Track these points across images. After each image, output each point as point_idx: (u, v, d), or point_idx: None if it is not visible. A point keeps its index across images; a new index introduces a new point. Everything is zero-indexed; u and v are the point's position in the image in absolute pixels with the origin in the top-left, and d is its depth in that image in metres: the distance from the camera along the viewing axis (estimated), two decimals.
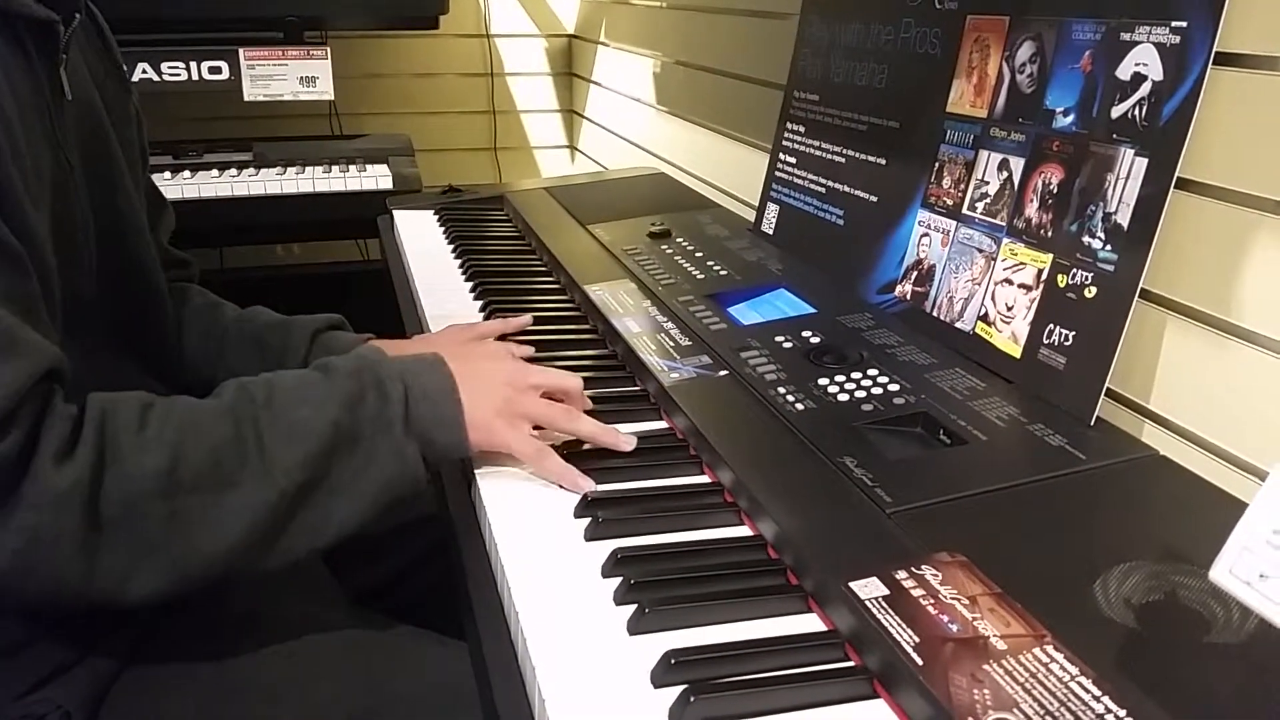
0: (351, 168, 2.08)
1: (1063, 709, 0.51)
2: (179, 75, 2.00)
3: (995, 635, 0.57)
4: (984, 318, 0.95)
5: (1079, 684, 0.53)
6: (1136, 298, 0.80)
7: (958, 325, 0.98)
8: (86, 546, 0.65)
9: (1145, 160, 0.81)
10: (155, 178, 1.12)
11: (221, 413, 0.73)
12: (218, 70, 2.02)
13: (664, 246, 1.33)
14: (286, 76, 2.05)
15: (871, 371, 0.91)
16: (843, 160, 1.23)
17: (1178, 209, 0.80)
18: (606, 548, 0.70)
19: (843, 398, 0.88)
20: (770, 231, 1.36)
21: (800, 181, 1.31)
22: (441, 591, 0.85)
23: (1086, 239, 0.85)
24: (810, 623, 0.63)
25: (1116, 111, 0.84)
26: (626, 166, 2.19)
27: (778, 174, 1.36)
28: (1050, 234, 0.90)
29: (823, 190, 1.26)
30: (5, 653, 0.76)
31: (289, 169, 2.04)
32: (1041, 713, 0.51)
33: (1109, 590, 0.61)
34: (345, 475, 0.74)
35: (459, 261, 1.39)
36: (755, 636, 0.61)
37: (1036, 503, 0.72)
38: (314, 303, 1.13)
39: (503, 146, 2.71)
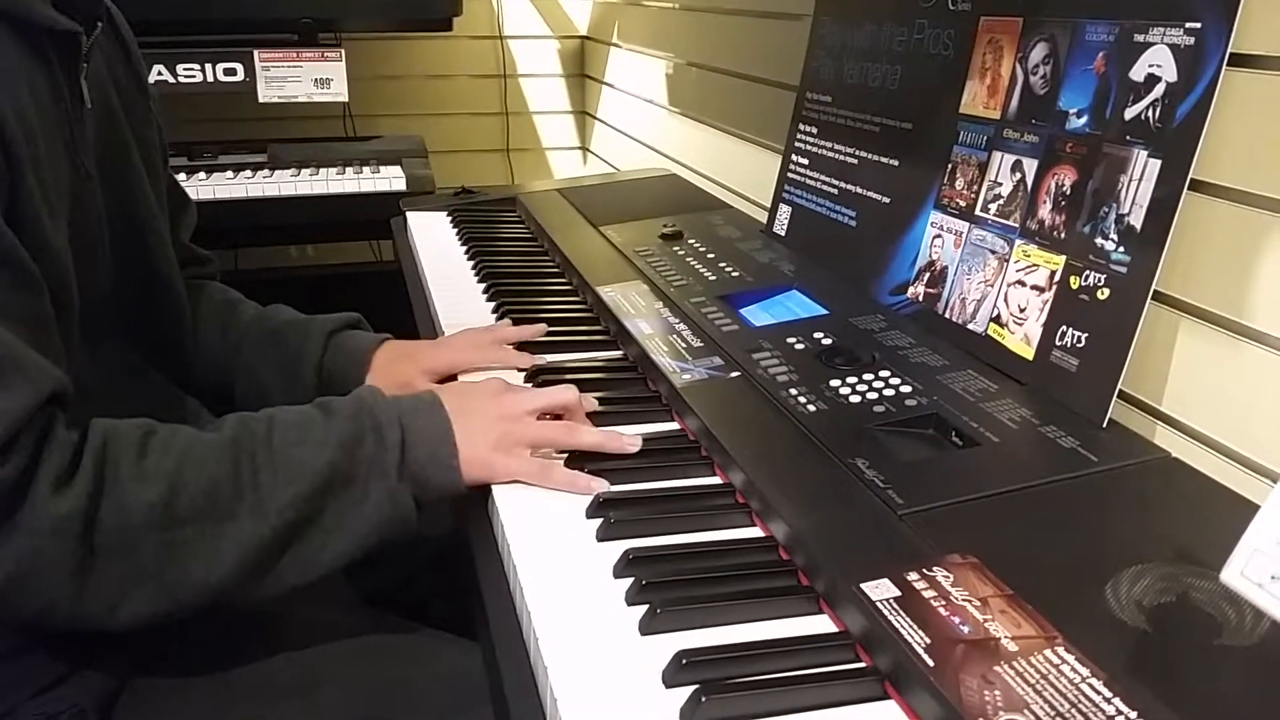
0: (365, 169, 2.08)
1: (1074, 710, 0.51)
2: (194, 77, 2.01)
3: (1006, 637, 0.57)
4: (996, 319, 0.95)
5: (1090, 686, 0.53)
6: (1149, 299, 0.80)
7: (970, 327, 0.98)
8: (79, 573, 0.66)
9: (1159, 162, 0.81)
10: None
11: (221, 446, 0.74)
12: (233, 72, 2.03)
13: (676, 248, 1.34)
14: (301, 78, 2.06)
15: (883, 373, 0.91)
16: (855, 161, 1.23)
17: (1191, 211, 0.80)
18: (618, 548, 0.70)
19: (854, 399, 0.88)
20: (782, 233, 1.36)
21: (813, 183, 1.31)
22: (453, 592, 0.86)
23: (1099, 240, 0.85)
24: (821, 624, 0.64)
25: (1130, 113, 0.84)
26: (638, 168, 2.19)
27: (790, 175, 1.36)
28: (1063, 235, 0.90)
29: (835, 192, 1.26)
30: (21, 650, 0.77)
31: (303, 170, 2.05)
32: (1052, 714, 0.51)
33: (1120, 592, 0.60)
34: (338, 515, 0.75)
35: (472, 263, 1.40)
36: (766, 637, 0.61)
37: (1048, 504, 0.72)
38: (327, 304, 1.13)
39: (515, 148, 2.72)
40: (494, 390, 0.87)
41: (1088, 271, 0.86)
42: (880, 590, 0.62)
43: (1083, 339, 0.85)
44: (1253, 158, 0.78)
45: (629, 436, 0.84)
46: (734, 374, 0.94)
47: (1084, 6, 0.90)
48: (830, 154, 1.28)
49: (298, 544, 0.74)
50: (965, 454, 0.80)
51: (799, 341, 1.00)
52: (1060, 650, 0.56)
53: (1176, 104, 0.80)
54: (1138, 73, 0.84)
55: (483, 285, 1.30)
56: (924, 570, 0.63)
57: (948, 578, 0.62)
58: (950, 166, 1.05)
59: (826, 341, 0.99)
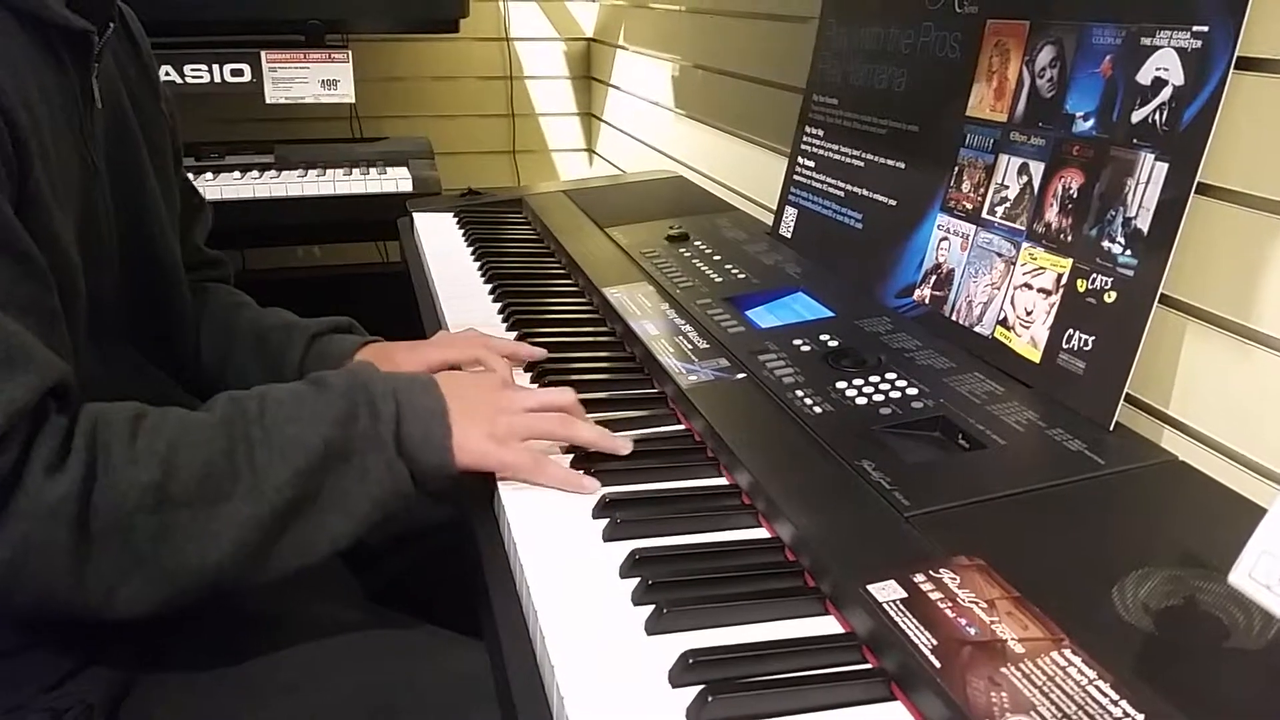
0: (372, 170, 2.09)
1: (1080, 713, 0.51)
2: (201, 77, 2.02)
3: (1013, 638, 0.57)
4: (1003, 322, 0.95)
5: (1097, 687, 0.53)
6: (1156, 303, 0.80)
7: (977, 329, 0.98)
8: (75, 557, 0.66)
9: (1166, 165, 0.81)
10: None
11: (213, 426, 0.73)
12: (240, 73, 2.04)
13: (682, 250, 1.34)
14: (308, 79, 2.07)
15: (890, 375, 0.91)
16: (862, 164, 1.23)
17: (1198, 214, 0.80)
18: (625, 548, 0.70)
19: (861, 401, 0.88)
20: (788, 235, 1.36)
21: (819, 185, 1.31)
22: (459, 591, 0.86)
23: (1106, 244, 0.85)
24: (828, 625, 0.64)
25: (1137, 116, 0.84)
26: (644, 170, 2.19)
27: (796, 178, 1.36)
28: (1070, 238, 0.90)
29: (841, 194, 1.26)
30: (28, 647, 0.77)
31: (310, 171, 2.06)
32: (1059, 716, 0.51)
33: (1127, 594, 0.60)
34: (336, 492, 0.74)
35: (478, 264, 1.40)
36: (773, 638, 0.61)
37: (1055, 507, 0.72)
38: (333, 304, 1.14)
39: (521, 150, 2.72)
40: (492, 383, 0.86)
41: (1094, 275, 0.86)
42: (887, 591, 0.62)
43: (1089, 342, 0.85)
44: (1260, 161, 0.78)
45: (621, 438, 0.84)
46: (740, 375, 0.95)
47: (1091, 10, 0.90)
48: (836, 156, 1.28)
49: (296, 524, 0.73)
50: (971, 456, 0.80)
51: (805, 343, 1.00)
52: (1067, 652, 0.56)
53: (1184, 107, 0.80)
54: (1145, 76, 0.84)
55: (489, 286, 1.30)
56: (930, 572, 0.63)
57: (954, 579, 0.62)
58: (957, 169, 1.05)
59: (832, 343, 1.00)
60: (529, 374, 1.02)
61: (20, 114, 0.70)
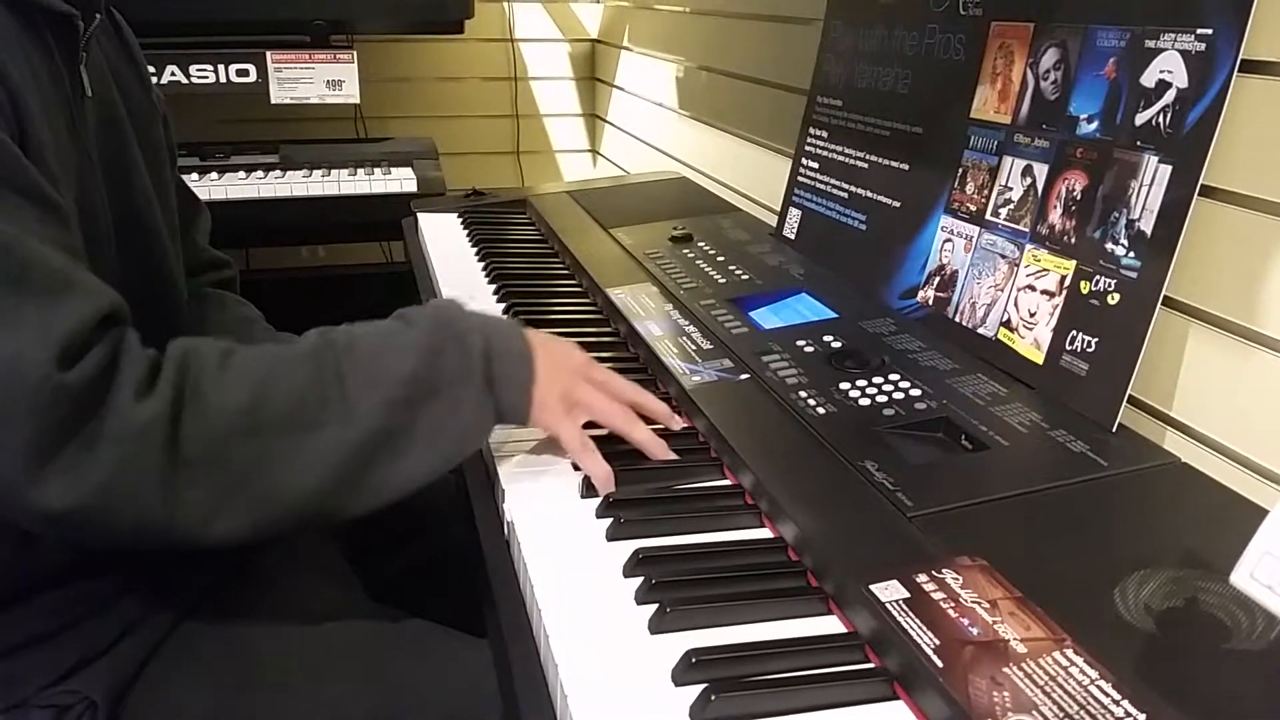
0: (376, 170, 2.09)
1: (1082, 713, 0.51)
2: (207, 77, 2.02)
3: (1015, 638, 0.57)
4: (1006, 324, 0.95)
5: (1098, 688, 0.53)
6: (1159, 304, 0.80)
7: (980, 331, 0.98)
8: (169, 483, 0.66)
9: (1169, 167, 0.81)
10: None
11: (303, 357, 0.73)
12: (245, 73, 2.04)
13: (685, 250, 1.34)
14: (313, 79, 2.07)
15: (893, 376, 0.92)
16: (865, 165, 1.23)
17: (1201, 216, 0.80)
18: (628, 548, 0.71)
19: (864, 402, 0.88)
20: (792, 236, 1.36)
21: (823, 186, 1.31)
22: (462, 589, 0.86)
23: (1110, 245, 0.86)
24: (830, 624, 0.64)
25: (1141, 118, 0.84)
26: (648, 171, 2.19)
27: (800, 179, 1.37)
28: (1074, 240, 0.90)
29: (845, 195, 1.26)
30: (34, 641, 0.78)
31: (315, 171, 2.06)
32: (1061, 716, 0.51)
33: (1129, 595, 0.61)
34: (426, 422, 0.74)
35: (482, 264, 1.40)
36: (776, 637, 0.62)
37: (1057, 508, 0.72)
38: (337, 305, 1.14)
39: (526, 150, 2.73)
40: (571, 346, 0.86)
41: (1098, 276, 0.86)
42: (889, 591, 0.62)
43: (1093, 344, 0.85)
44: (1263, 164, 0.78)
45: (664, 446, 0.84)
46: (743, 376, 0.95)
47: (1095, 12, 0.90)
48: (840, 158, 1.28)
49: (386, 453, 0.73)
50: (975, 457, 0.80)
51: (808, 344, 1.00)
52: (1069, 652, 0.56)
53: (1187, 110, 0.80)
54: (1149, 78, 0.84)
55: (493, 287, 1.31)
56: (933, 572, 0.63)
57: (957, 580, 0.62)
58: (961, 171, 1.05)
59: (836, 344, 1.00)
60: None
61: (14, 77, 0.70)
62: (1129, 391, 0.81)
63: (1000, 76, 1.01)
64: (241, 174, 2.02)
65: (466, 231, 1.59)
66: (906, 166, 1.15)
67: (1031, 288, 0.93)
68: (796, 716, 0.56)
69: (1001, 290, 0.97)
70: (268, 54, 2.04)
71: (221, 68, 2.03)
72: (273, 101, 2.07)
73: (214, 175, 1.99)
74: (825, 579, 0.67)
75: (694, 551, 0.71)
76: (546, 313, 1.20)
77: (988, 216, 1.01)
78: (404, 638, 0.86)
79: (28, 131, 0.71)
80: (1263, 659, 0.56)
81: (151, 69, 1.06)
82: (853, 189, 1.25)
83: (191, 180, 1.92)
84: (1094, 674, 0.54)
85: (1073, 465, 0.77)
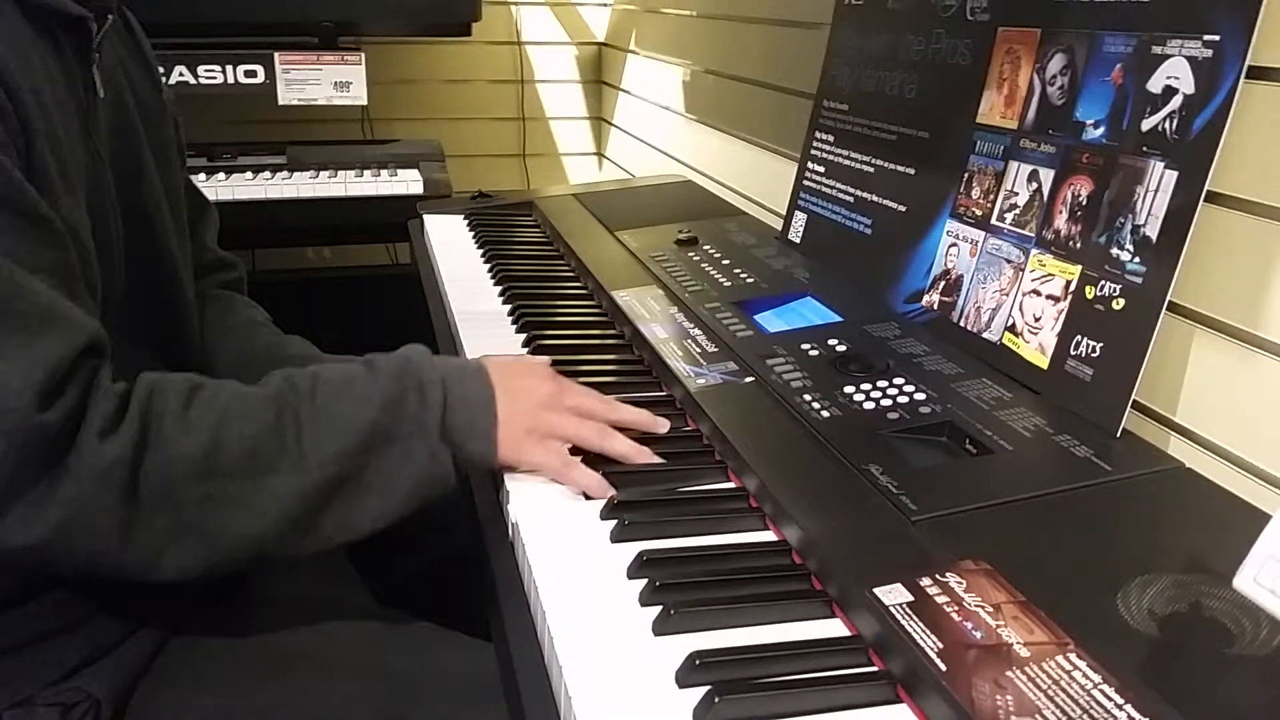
0: (383, 172, 2.10)
1: (1085, 717, 0.52)
2: (215, 78, 2.03)
3: (1018, 642, 0.57)
4: (1011, 328, 0.95)
5: (1101, 692, 0.53)
6: (1164, 310, 0.80)
7: (985, 335, 0.98)
8: (125, 521, 0.67)
9: (1175, 173, 0.81)
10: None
11: (265, 400, 0.74)
12: (253, 74, 2.05)
13: (691, 254, 1.34)
14: (321, 81, 2.08)
15: (898, 380, 0.92)
16: (871, 170, 1.23)
17: (1207, 222, 0.80)
18: (632, 550, 0.71)
19: (868, 406, 0.88)
20: (797, 240, 1.36)
21: (828, 190, 1.31)
22: (467, 591, 0.86)
23: (1115, 251, 0.86)
24: (834, 628, 0.64)
25: (1147, 124, 0.84)
26: (654, 174, 2.20)
27: (806, 183, 1.37)
28: (1079, 245, 0.90)
29: (851, 199, 1.26)
30: (39, 639, 0.78)
31: (321, 173, 2.07)
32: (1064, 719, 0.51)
33: (1132, 599, 0.61)
34: (380, 473, 0.75)
35: (488, 266, 1.41)
36: (779, 640, 0.62)
37: (1061, 513, 0.73)
38: (343, 305, 1.14)
39: (532, 153, 2.73)
40: (542, 375, 0.86)
41: (1103, 282, 0.86)
42: (893, 595, 0.62)
43: (1097, 349, 0.86)
44: (1269, 170, 0.78)
45: (655, 458, 0.84)
46: (748, 379, 0.95)
47: (1102, 18, 0.90)
48: (846, 162, 1.28)
49: (339, 500, 0.74)
50: (979, 461, 0.80)
51: (813, 348, 1.00)
52: (1072, 656, 0.56)
53: (1194, 116, 0.80)
54: (1155, 84, 0.84)
55: (499, 289, 1.31)
56: (937, 576, 0.63)
57: (960, 583, 0.63)
58: (966, 175, 1.05)
59: (841, 348, 1.00)
60: None
61: (24, 93, 0.71)
62: (1133, 397, 0.81)
63: (1006, 82, 1.01)
64: (248, 175, 2.02)
65: (472, 234, 1.59)
66: (912, 171, 1.15)
67: (1036, 292, 0.93)
68: (800, 719, 0.56)
69: (1006, 295, 0.97)
70: (275, 55, 2.05)
71: (229, 69, 2.04)
72: (280, 103, 2.07)
73: (221, 176, 2.00)
74: (829, 582, 0.67)
75: (698, 554, 0.71)
76: (552, 315, 1.20)
77: (993, 221, 1.01)
78: (409, 639, 0.86)
79: (34, 140, 0.71)
80: (1266, 664, 0.56)
81: (160, 69, 1.06)
82: (858, 193, 1.25)
83: (199, 180, 1.92)
84: (1097, 678, 0.54)
85: (1077, 470, 0.77)
